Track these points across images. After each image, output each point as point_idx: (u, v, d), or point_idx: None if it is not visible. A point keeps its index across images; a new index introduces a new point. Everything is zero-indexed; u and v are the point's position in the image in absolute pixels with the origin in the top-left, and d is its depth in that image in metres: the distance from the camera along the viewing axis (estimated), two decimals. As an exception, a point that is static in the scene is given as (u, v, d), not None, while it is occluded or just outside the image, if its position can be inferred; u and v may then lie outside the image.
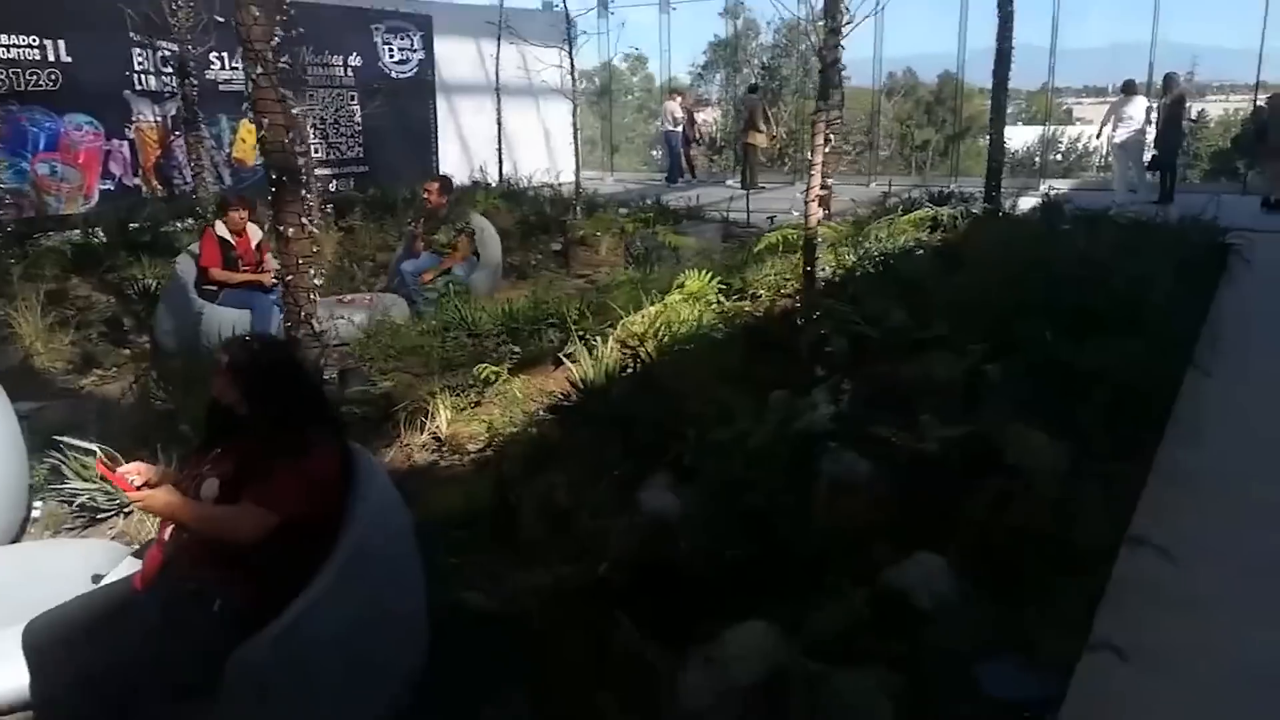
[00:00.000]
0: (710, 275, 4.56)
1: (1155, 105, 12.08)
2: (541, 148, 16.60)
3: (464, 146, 15.01)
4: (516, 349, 4.14)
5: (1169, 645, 2.78)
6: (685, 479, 3.35)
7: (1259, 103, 12.78)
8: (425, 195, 7.28)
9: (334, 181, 13.37)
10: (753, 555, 2.88)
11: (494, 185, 12.39)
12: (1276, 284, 7.33)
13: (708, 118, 19.32)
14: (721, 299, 4.57)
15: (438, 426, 3.77)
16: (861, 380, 4.27)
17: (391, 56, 13.90)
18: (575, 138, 10.49)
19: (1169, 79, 11.84)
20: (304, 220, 4.19)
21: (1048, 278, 5.97)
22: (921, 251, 6.75)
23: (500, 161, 12.56)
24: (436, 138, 14.67)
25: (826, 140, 6.80)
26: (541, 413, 3.98)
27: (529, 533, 3.11)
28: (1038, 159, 20.20)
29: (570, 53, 10.34)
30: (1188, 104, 13.08)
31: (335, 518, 2.32)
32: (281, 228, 4.18)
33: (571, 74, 10.33)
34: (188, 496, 2.28)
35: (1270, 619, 2.88)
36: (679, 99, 16.37)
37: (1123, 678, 2.50)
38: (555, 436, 3.74)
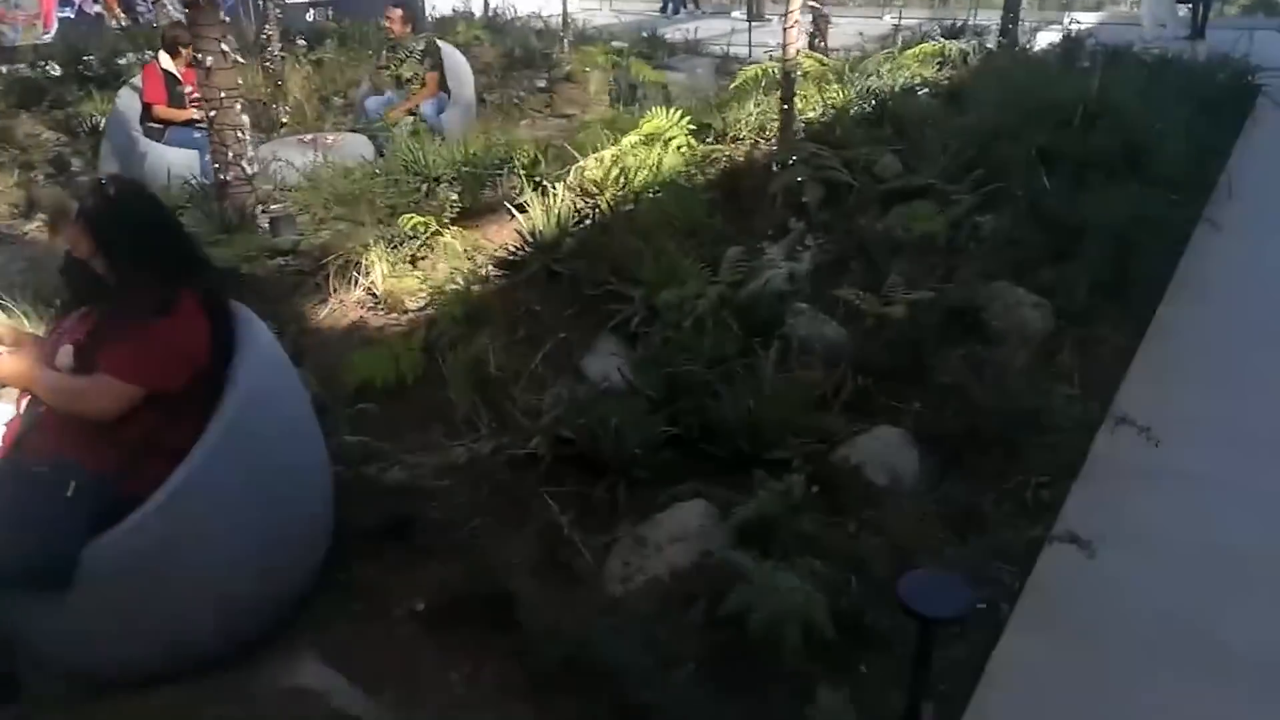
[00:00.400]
0: (679, 115, 4.12)
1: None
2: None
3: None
4: (455, 197, 3.77)
5: (1142, 525, 2.59)
6: (633, 344, 3.10)
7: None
8: (386, 24, 6.70)
9: (310, 10, 12.53)
10: (695, 430, 2.66)
11: (477, 16, 11.56)
12: None
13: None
14: (691, 141, 4.15)
15: (373, 282, 3.48)
16: (838, 233, 3.94)
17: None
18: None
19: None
20: (224, 48, 3.75)
21: (1057, 121, 5.50)
22: (924, 91, 6.21)
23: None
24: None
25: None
26: (489, 268, 3.68)
27: (459, 402, 2.87)
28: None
29: None
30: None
31: (211, 385, 2.07)
32: (200, 55, 3.75)
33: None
34: (45, 363, 2.04)
35: (1249, 497, 2.68)
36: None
37: (1087, 561, 2.31)
38: (499, 294, 3.45)
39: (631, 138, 3.96)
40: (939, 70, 7.62)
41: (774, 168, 3.85)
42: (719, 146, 4.62)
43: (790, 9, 3.69)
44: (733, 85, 5.09)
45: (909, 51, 6.87)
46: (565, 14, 9.91)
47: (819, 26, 5.92)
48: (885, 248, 3.77)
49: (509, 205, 3.71)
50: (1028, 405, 2.76)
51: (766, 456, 2.57)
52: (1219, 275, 4.21)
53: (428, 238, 3.60)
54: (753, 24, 11.51)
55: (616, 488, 2.53)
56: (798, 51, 3.79)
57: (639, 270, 3.15)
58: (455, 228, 3.85)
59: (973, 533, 2.49)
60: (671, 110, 4.10)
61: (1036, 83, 6.20)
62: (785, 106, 3.83)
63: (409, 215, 3.50)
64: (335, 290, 3.56)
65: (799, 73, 3.92)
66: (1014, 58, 7.47)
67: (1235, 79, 7.65)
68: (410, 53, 6.70)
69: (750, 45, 10.47)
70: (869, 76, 6.18)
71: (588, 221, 3.81)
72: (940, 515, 2.56)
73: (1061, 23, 11.91)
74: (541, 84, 9.27)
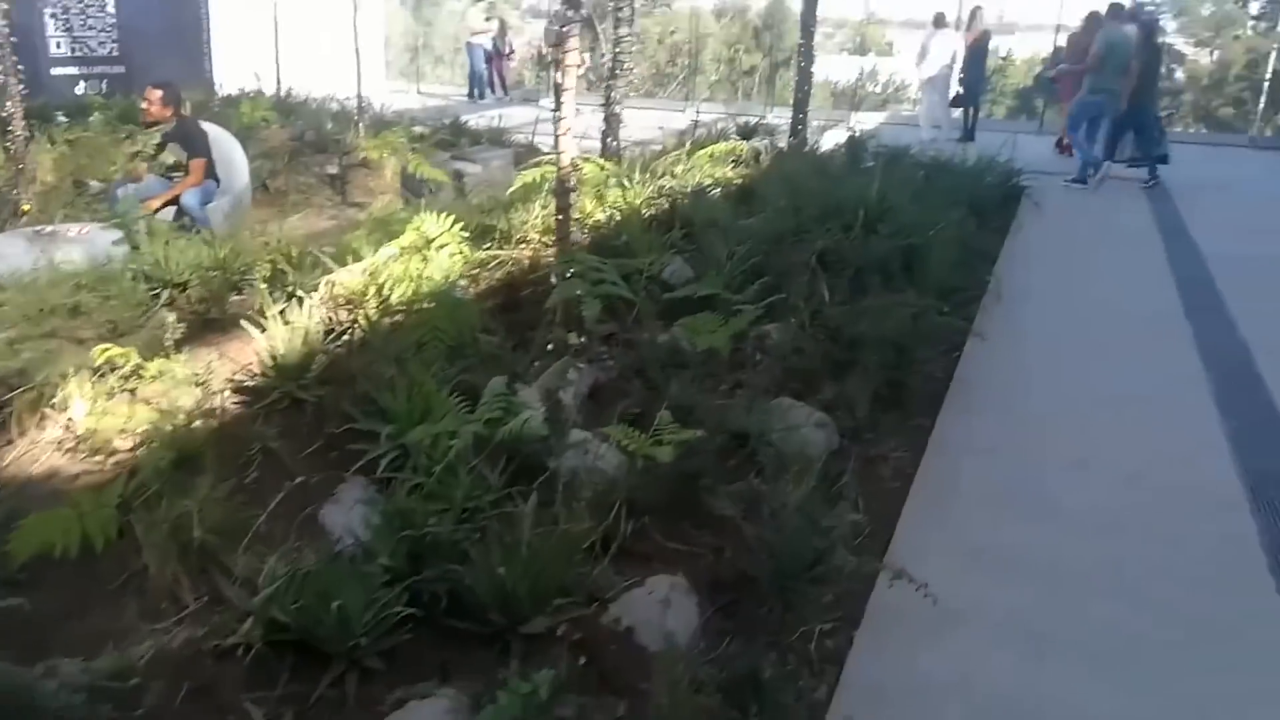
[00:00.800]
0: (451, 220, 3.83)
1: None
2: (346, 55, 15.07)
3: (248, 49, 13.30)
4: (174, 319, 3.29)
5: (927, 676, 2.44)
6: (385, 489, 2.72)
7: (1059, 44, 13.06)
8: (144, 106, 6.11)
9: (81, 83, 11.53)
10: (443, 602, 2.30)
11: (267, 95, 10.97)
12: (1061, 231, 7.34)
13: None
14: (464, 249, 3.87)
15: (70, 419, 2.94)
16: (619, 349, 3.74)
17: (149, -62, 12.00)
18: (355, 43, 9.31)
19: (974, 14, 11.82)
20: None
21: (840, 224, 5.64)
22: (716, 191, 6.26)
23: (278, 67, 11.08)
24: (208, 36, 12.91)
25: (619, 65, 6.18)
26: (225, 394, 3.21)
27: (157, 573, 2.39)
28: (859, 91, 20.25)
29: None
30: (992, 41, 13.20)
31: None
32: None
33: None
34: None
35: (1028, 639, 2.60)
36: (481, 5, 15.20)
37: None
38: (230, 430, 2.99)
39: (396, 244, 3.63)
40: (734, 168, 7.79)
41: (553, 279, 3.61)
42: (502, 251, 4.36)
43: (560, 115, 3.51)
44: (510, 191, 4.86)
45: (702, 151, 6.95)
46: (360, 96, 9.51)
47: (610, 125, 5.83)
48: (667, 364, 3.59)
49: (253, 318, 3.27)
50: (806, 547, 2.58)
51: (525, 630, 2.26)
52: (989, 383, 4.31)
53: (138, 366, 3.09)
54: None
55: (343, 682, 2.13)
56: (572, 161, 3.60)
57: (389, 402, 2.79)
58: (190, 348, 3.37)
59: (752, 703, 2.25)
60: (443, 215, 3.80)
61: (821, 185, 6.39)
62: (560, 217, 3.62)
63: (105, 346, 2.99)
64: (25, 429, 2.98)
65: (574, 181, 3.72)
66: (802, 158, 7.74)
67: (1002, 181, 8.24)
68: (171, 137, 6.13)
69: (557, 134, 10.44)
70: (661, 176, 6.17)
71: (346, 337, 3.43)
72: (719, 682, 2.32)
73: (848, 122, 12.67)
74: (333, 170, 8.81)
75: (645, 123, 12.05)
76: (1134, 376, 4.50)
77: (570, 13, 3.37)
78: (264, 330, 3.22)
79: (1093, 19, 11.56)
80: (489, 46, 14.89)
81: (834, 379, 3.80)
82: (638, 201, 5.09)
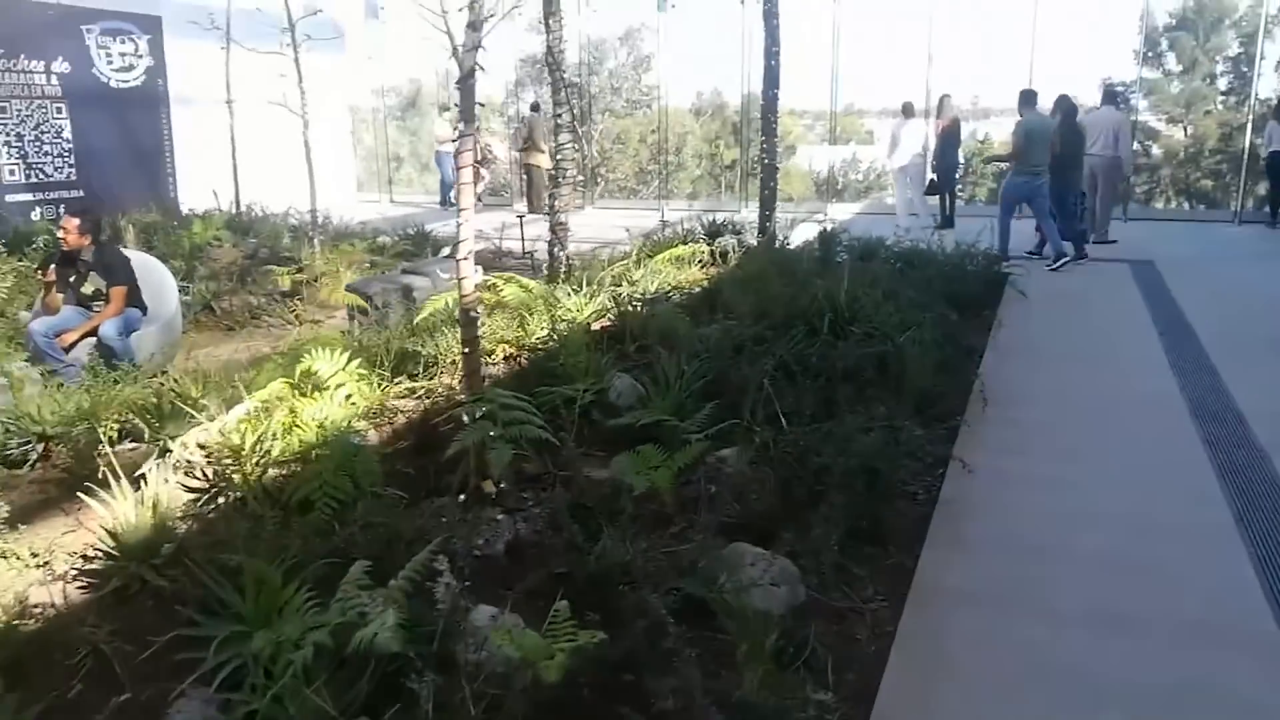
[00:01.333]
0: (347, 358, 3.37)
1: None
2: (318, 168, 15.00)
3: (214, 167, 13.16)
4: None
5: None
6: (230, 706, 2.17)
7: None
8: (61, 235, 5.73)
9: (37, 209, 11.32)
10: None
11: (220, 213, 10.70)
12: (1049, 320, 6.90)
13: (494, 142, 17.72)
14: (362, 389, 3.39)
15: None
16: (544, 493, 3.23)
17: (110, 63, 11.96)
18: (307, 154, 9.06)
19: (942, 101, 11.69)
20: None
21: (808, 328, 5.20)
22: (677, 296, 5.86)
23: (237, 184, 10.84)
24: (172, 156, 12.78)
25: (555, 173, 5.84)
26: (70, 577, 2.69)
27: None
28: (840, 180, 20.25)
29: (296, 59, 8.87)
30: (968, 125, 13.12)
31: None
32: None
33: (299, 84, 8.88)
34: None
35: None
36: (448, 115, 15.17)
37: None
38: (63, 626, 2.46)
39: (258, 397, 3.15)
40: (702, 268, 7.43)
41: (465, 419, 3.12)
42: (420, 382, 3.89)
43: (460, 237, 3.07)
44: (418, 318, 4.42)
45: (663, 254, 6.59)
46: (314, 209, 9.21)
47: (557, 235, 5.45)
48: (602, 511, 3.08)
49: (84, 495, 2.77)
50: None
51: None
52: (978, 508, 3.77)
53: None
54: (524, 218, 11.25)
55: None
56: (476, 288, 3.15)
57: (232, 596, 2.27)
58: (45, 517, 2.87)
59: None
60: (338, 353, 3.34)
61: (789, 286, 6.00)
62: (467, 350, 3.15)
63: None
64: None
65: (479, 310, 3.27)
66: (771, 256, 7.38)
67: (983, 269, 7.87)
68: (91, 265, 5.74)
69: (523, 239, 10.15)
70: (618, 284, 5.78)
71: (214, 502, 2.92)
72: None
73: (824, 213, 12.43)
74: (286, 287, 8.44)
75: (619, 223, 11.84)
76: (1142, 496, 3.95)
77: (463, 125, 2.95)
78: (108, 502, 2.72)
79: (1063, 101, 11.44)
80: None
81: (798, 518, 3.28)
82: (584, 315, 4.65)
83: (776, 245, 8.29)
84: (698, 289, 6.33)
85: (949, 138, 11.52)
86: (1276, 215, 11.33)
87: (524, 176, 14.33)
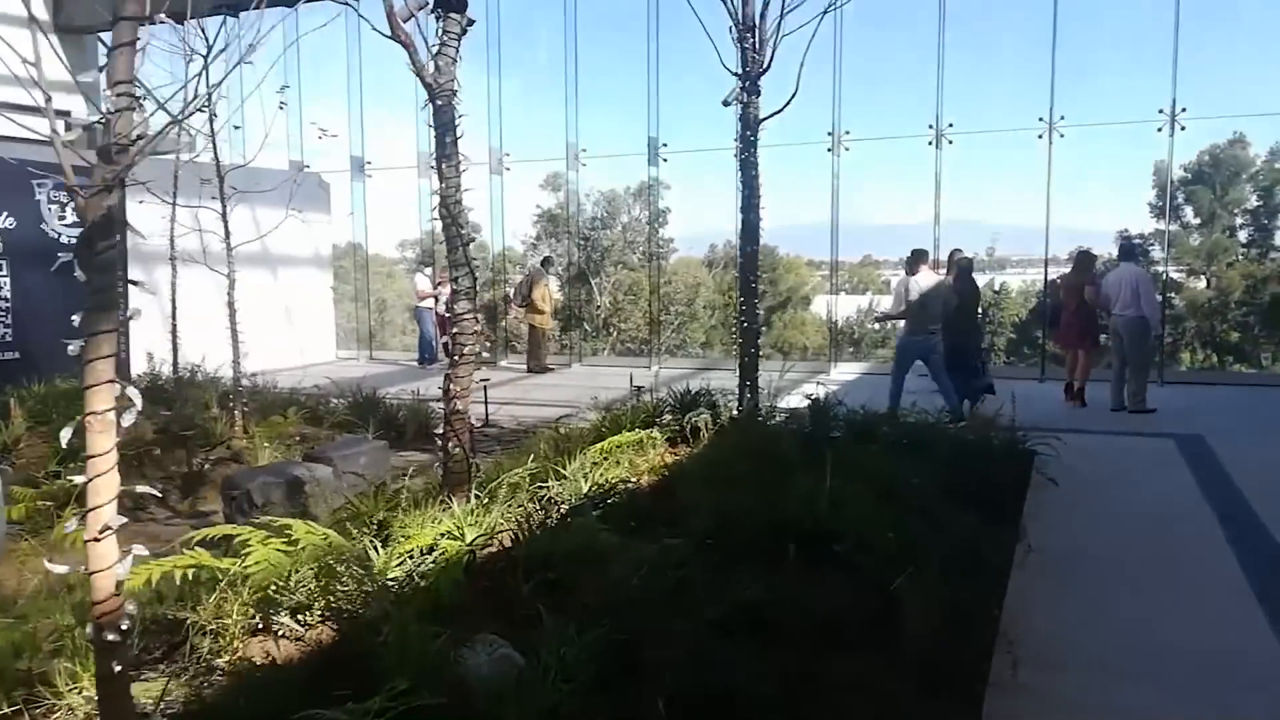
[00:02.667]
0: None
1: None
2: (296, 325, 14.35)
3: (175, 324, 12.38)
4: None
5: None
6: None
7: (1054, 278, 11.99)
8: None
9: (-33, 377, 10.45)
10: None
11: (141, 376, 9.75)
12: (1088, 520, 5.60)
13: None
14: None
15: None
16: None
17: (62, 219, 11.37)
18: (231, 315, 8.16)
19: (953, 256, 10.75)
20: None
21: (777, 550, 3.97)
22: (618, 497, 4.68)
23: (175, 344, 9.91)
24: (125, 315, 11.98)
25: (458, 346, 4.76)
26: None
27: None
28: (856, 331, 19.39)
29: (222, 214, 8.09)
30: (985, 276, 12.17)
31: None
32: None
33: (226, 239, 8.07)
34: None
35: None
36: (428, 271, 14.48)
37: None
38: None
39: None
40: (668, 449, 6.28)
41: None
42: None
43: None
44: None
45: (617, 438, 5.45)
46: (238, 373, 8.20)
47: (454, 426, 4.31)
48: None
49: None
50: None
51: None
52: None
53: None
54: (485, 383, 10.22)
55: None
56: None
57: None
58: None
59: None
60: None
61: (763, 479, 4.82)
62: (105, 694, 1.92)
63: None
64: None
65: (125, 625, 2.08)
66: (749, 435, 6.21)
67: (1005, 448, 6.66)
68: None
69: (487, 402, 9.10)
70: (543, 483, 4.61)
71: None
72: None
73: (828, 372, 11.32)
74: (199, 463, 7.34)
75: (604, 384, 10.81)
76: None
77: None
78: None
79: (1084, 258, 10.55)
80: (442, 309, 14.01)
81: None
82: (469, 539, 3.45)
83: (761, 418, 7.15)
84: (649, 483, 5.15)
85: (961, 293, 10.51)
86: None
87: (527, 333, 13.46)
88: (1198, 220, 30.04)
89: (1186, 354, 27.52)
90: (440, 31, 3.98)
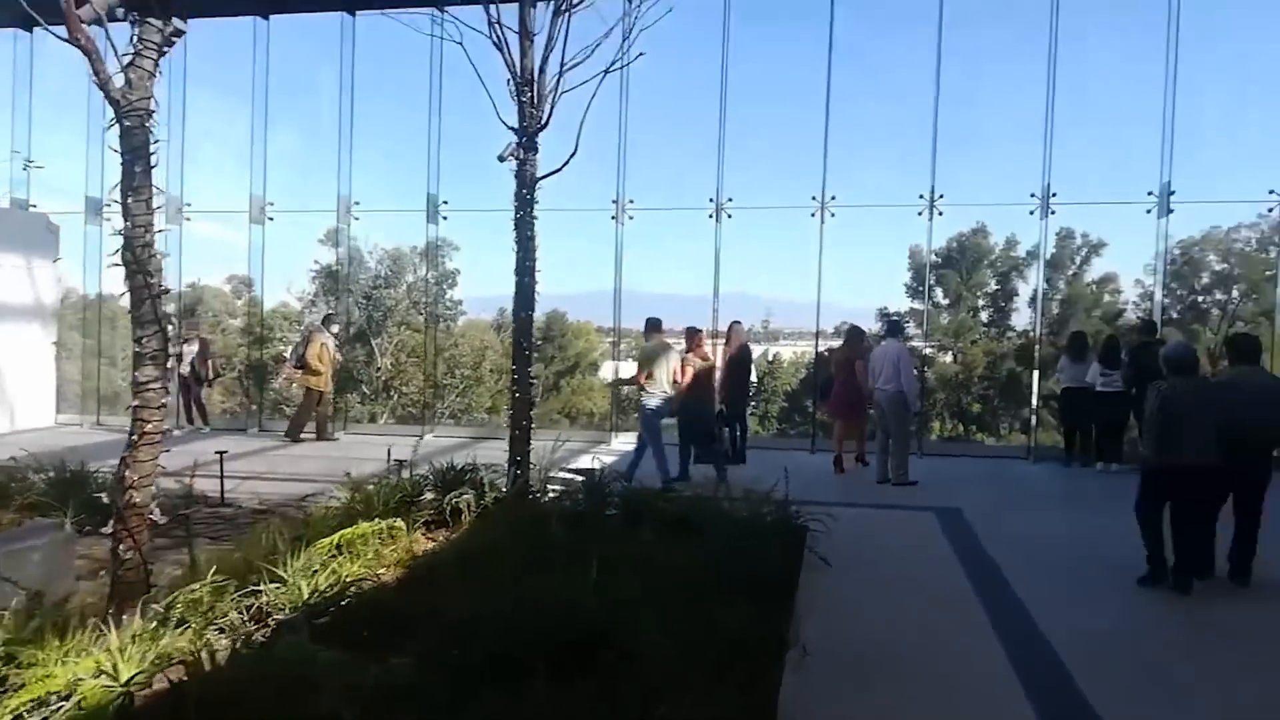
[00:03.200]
0: None
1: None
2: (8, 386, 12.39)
3: None
4: None
5: None
6: None
7: (824, 350, 12.35)
8: None
9: None
10: None
11: None
12: (861, 615, 5.41)
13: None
14: None
15: None
16: None
17: None
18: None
19: (732, 328, 10.81)
20: None
21: (530, 662, 3.43)
22: (351, 601, 3.97)
23: None
24: None
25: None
26: None
27: None
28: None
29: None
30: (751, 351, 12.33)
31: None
32: None
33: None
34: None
35: None
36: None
37: None
38: None
39: None
40: (431, 531, 5.61)
41: None
42: None
43: None
44: None
45: (353, 528, 4.72)
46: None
47: (134, 536, 3.46)
48: None
49: None
50: None
51: None
52: None
53: None
54: (218, 453, 9.08)
55: None
56: None
57: None
58: None
59: None
60: None
61: (518, 579, 4.27)
62: None
63: None
64: None
65: None
66: (516, 517, 5.67)
67: (777, 524, 6.48)
68: None
69: (222, 477, 7.98)
70: (257, 587, 3.83)
71: None
72: None
73: (608, 443, 10.95)
74: None
75: (368, 455, 9.88)
76: None
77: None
78: None
79: (855, 332, 10.92)
80: (185, 371, 12.49)
81: None
82: (119, 686, 2.65)
83: (533, 495, 6.63)
84: (396, 578, 4.48)
85: (739, 365, 10.56)
86: (1071, 454, 10.90)
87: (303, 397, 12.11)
88: (947, 300, 32.95)
89: (937, 423, 29.81)
90: (135, 39, 3.28)
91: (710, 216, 12.09)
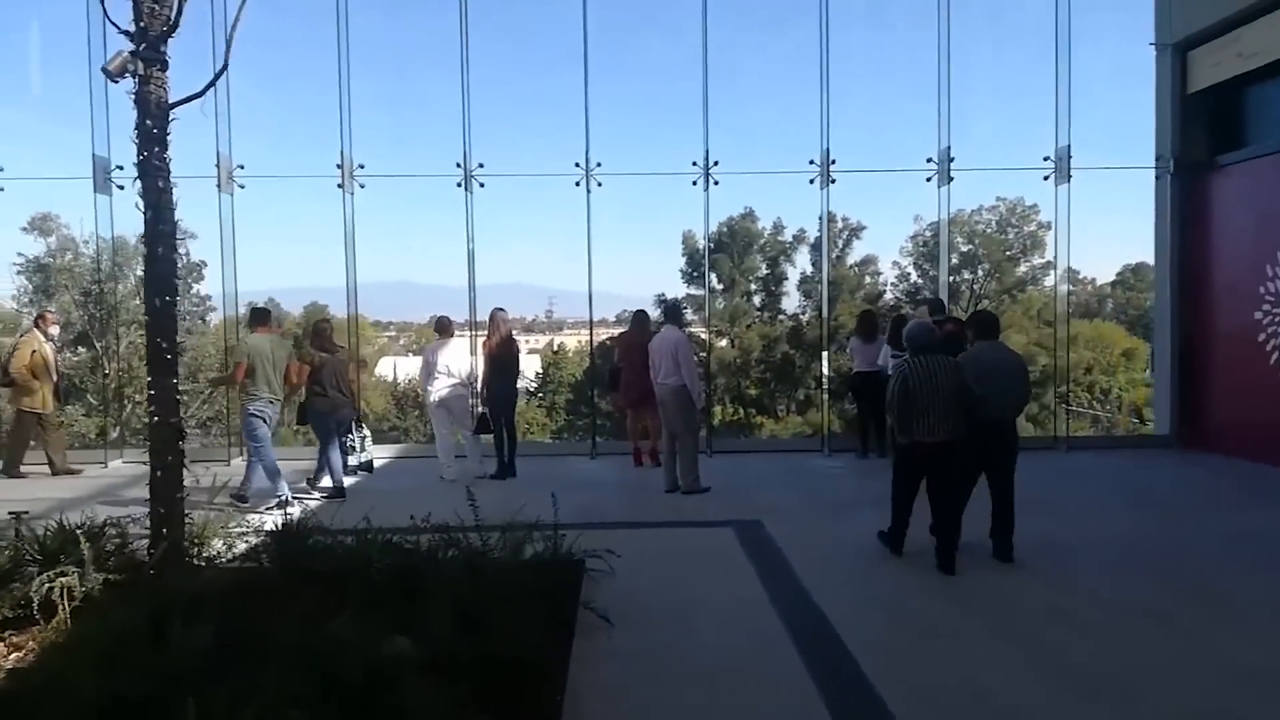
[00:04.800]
0: None
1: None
2: None
3: None
4: None
5: None
6: None
7: (606, 339, 10.92)
8: None
9: None
10: None
11: None
12: (652, 696, 3.94)
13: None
14: None
15: None
16: None
17: None
18: None
19: (493, 316, 9.12)
20: None
21: None
22: None
23: None
24: None
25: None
26: None
27: None
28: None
29: None
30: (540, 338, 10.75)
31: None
32: None
33: None
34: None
35: None
36: None
37: None
38: None
39: None
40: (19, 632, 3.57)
41: None
42: None
43: None
44: None
45: None
46: None
47: None
48: None
49: None
50: None
51: None
52: None
53: None
54: None
55: None
56: None
57: None
58: None
59: None
60: None
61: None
62: None
63: None
64: None
65: None
66: (134, 610, 3.73)
67: (544, 566, 4.94)
68: None
69: None
70: None
71: None
72: None
73: (319, 480, 8.76)
74: None
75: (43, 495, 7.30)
76: None
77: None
78: None
79: (641, 315, 9.54)
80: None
81: None
82: None
83: (196, 560, 4.67)
84: None
85: (504, 359, 8.91)
86: (867, 444, 10.10)
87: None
88: (721, 286, 32.86)
89: (718, 408, 29.55)
90: None
91: (459, 185, 10.31)
